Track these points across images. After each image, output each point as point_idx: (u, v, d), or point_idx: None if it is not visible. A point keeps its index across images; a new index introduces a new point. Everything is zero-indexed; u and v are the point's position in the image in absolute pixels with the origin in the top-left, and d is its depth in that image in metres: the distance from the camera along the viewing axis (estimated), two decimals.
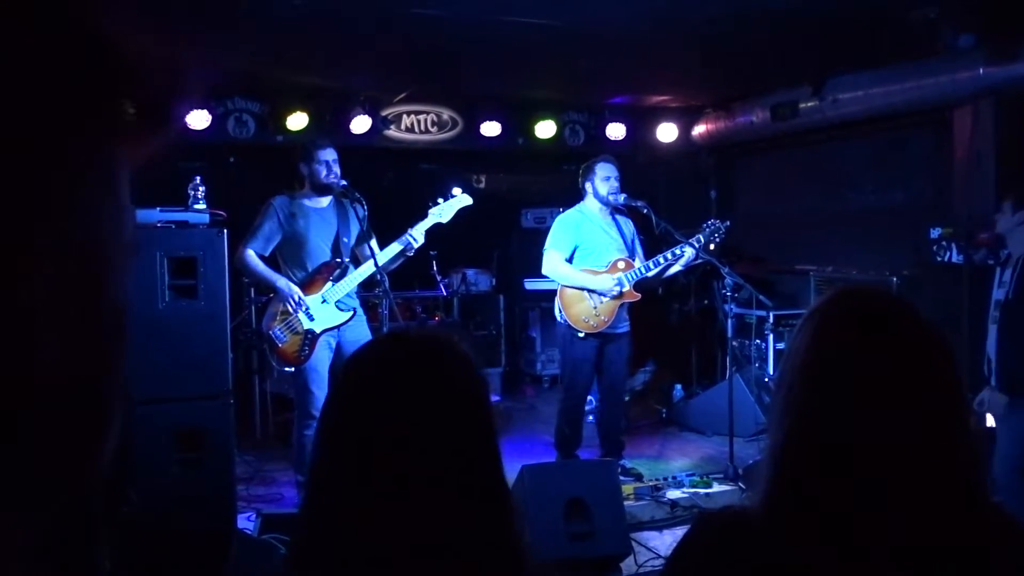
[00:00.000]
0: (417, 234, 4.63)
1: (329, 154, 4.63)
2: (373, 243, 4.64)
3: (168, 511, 3.82)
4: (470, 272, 7.54)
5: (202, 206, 4.14)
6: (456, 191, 4.81)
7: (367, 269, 4.59)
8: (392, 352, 1.17)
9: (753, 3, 4.59)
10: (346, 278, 4.61)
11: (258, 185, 7.68)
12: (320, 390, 4.50)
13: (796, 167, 7.59)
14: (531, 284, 7.14)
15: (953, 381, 1.10)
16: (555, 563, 3.81)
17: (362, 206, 4.65)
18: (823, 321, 1.14)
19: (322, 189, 4.65)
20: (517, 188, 8.64)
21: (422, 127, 7.22)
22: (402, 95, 6.96)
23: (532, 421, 6.94)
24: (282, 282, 4.52)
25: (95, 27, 0.53)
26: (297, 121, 6.66)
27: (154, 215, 3.90)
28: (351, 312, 4.62)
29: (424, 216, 4.69)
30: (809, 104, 6.51)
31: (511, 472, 5.20)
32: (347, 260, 4.65)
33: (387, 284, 4.57)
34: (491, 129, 7.30)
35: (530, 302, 7.84)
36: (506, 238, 8.18)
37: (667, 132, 7.79)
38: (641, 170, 8.38)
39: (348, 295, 4.63)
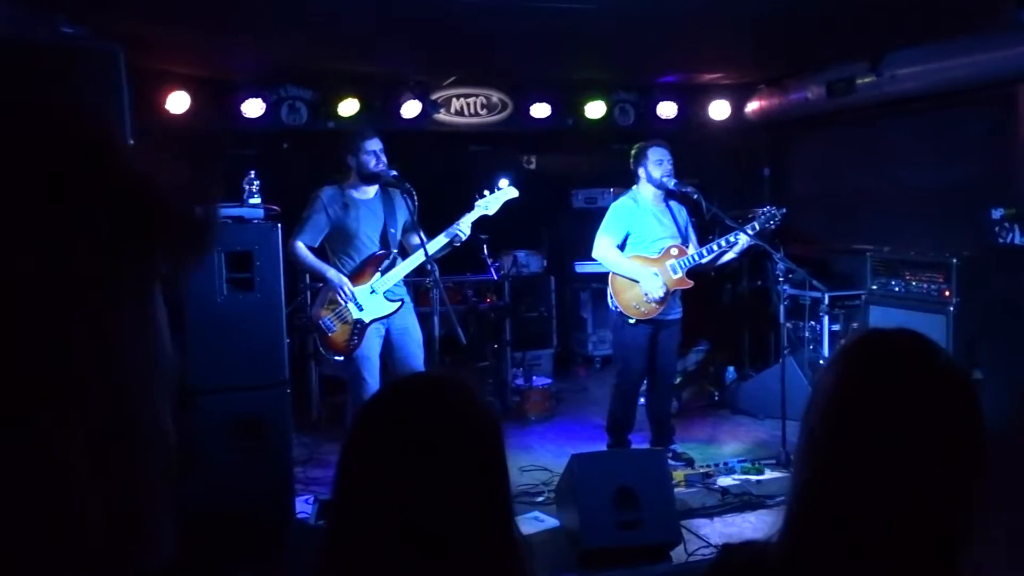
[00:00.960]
0: (464, 226, 4.71)
1: (375, 144, 4.72)
2: (421, 233, 4.72)
3: (228, 498, 3.96)
4: (521, 254, 7.56)
5: (257, 200, 4.23)
6: (503, 183, 4.86)
7: (415, 260, 4.69)
8: (403, 411, 1.18)
9: None
10: (394, 269, 4.72)
11: (311, 170, 7.81)
12: (372, 378, 4.66)
13: (852, 144, 7.41)
14: (581, 267, 7.15)
15: (969, 431, 1.09)
16: (605, 551, 3.86)
17: (411, 197, 4.73)
18: (846, 365, 1.14)
19: (370, 178, 4.75)
20: (567, 168, 8.61)
21: (472, 110, 7.23)
22: (451, 79, 6.97)
23: (583, 403, 6.98)
24: (332, 273, 4.64)
25: (131, 170, 0.57)
26: (348, 107, 6.73)
27: None
28: (399, 302, 4.74)
29: (471, 208, 4.77)
30: (866, 80, 6.33)
31: (561, 457, 5.28)
32: (395, 251, 4.76)
33: (437, 273, 4.64)
34: (540, 111, 7.28)
35: (581, 283, 7.84)
36: (557, 219, 8.18)
37: (719, 110, 7.67)
38: (693, 149, 8.27)
39: (396, 285, 4.74)
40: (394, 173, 4.74)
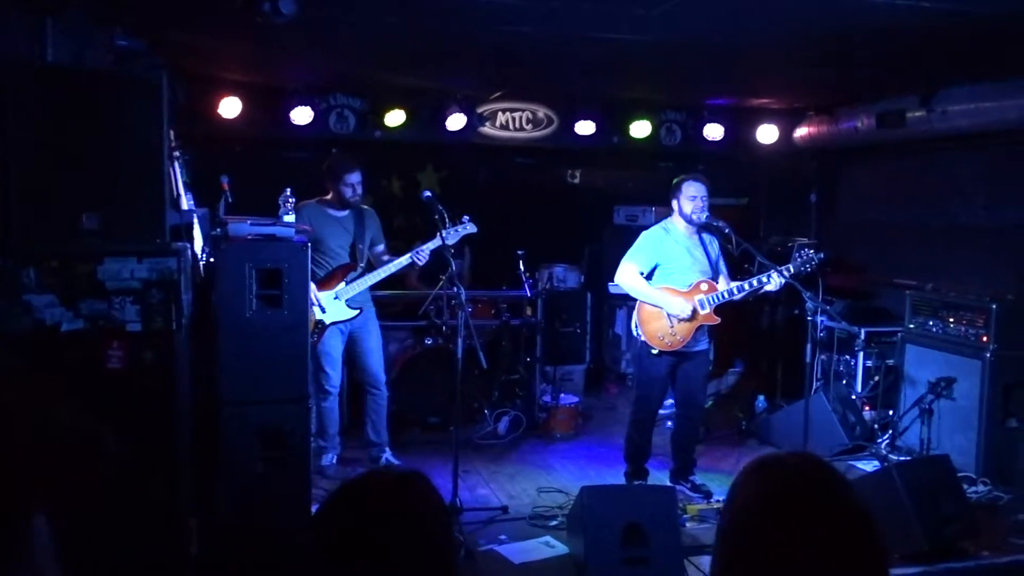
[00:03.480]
0: (424, 252, 5.28)
1: (355, 177, 5.38)
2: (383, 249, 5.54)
3: (253, 505, 4.11)
4: (558, 269, 7.59)
5: (291, 218, 4.35)
6: (465, 220, 5.31)
7: (377, 275, 5.37)
8: (357, 517, 1.24)
9: (859, 17, 4.40)
10: (358, 280, 5.36)
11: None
12: (333, 370, 5.44)
13: (902, 176, 7.27)
14: (615, 288, 7.15)
15: (866, 562, 1.11)
16: None
17: (443, 218, 5.03)
18: (740, 490, 1.18)
19: (345, 205, 5.43)
20: (611, 184, 8.61)
21: (517, 125, 7.29)
22: (497, 93, 7.04)
23: (610, 422, 7.00)
24: None
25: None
26: (395, 118, 6.84)
27: (245, 228, 4.13)
28: (358, 310, 5.39)
29: (433, 237, 5.18)
30: (917, 114, 6.23)
31: (581, 479, 5.32)
32: (362, 265, 5.41)
33: (463, 296, 4.73)
34: (586, 128, 7.30)
35: (618, 300, 7.83)
36: (598, 235, 8.19)
37: (767, 134, 7.60)
38: (741, 170, 8.23)
39: (359, 294, 5.36)
40: (428, 194, 5.08)
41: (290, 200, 4.40)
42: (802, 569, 1.09)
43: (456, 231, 5.24)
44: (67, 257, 3.47)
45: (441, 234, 4.95)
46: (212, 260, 4.19)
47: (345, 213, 5.44)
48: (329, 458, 5.59)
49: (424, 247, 5.27)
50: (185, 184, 4.83)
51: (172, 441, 3.66)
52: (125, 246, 3.55)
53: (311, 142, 7.14)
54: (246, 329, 4.10)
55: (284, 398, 4.20)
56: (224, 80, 6.41)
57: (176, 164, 4.61)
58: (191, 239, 4.38)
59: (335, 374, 5.45)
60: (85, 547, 1.53)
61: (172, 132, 4.50)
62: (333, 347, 5.39)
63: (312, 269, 5.07)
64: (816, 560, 1.09)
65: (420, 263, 5.31)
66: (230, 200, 5.01)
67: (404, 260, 5.29)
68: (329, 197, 5.44)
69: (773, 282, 4.90)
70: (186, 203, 4.71)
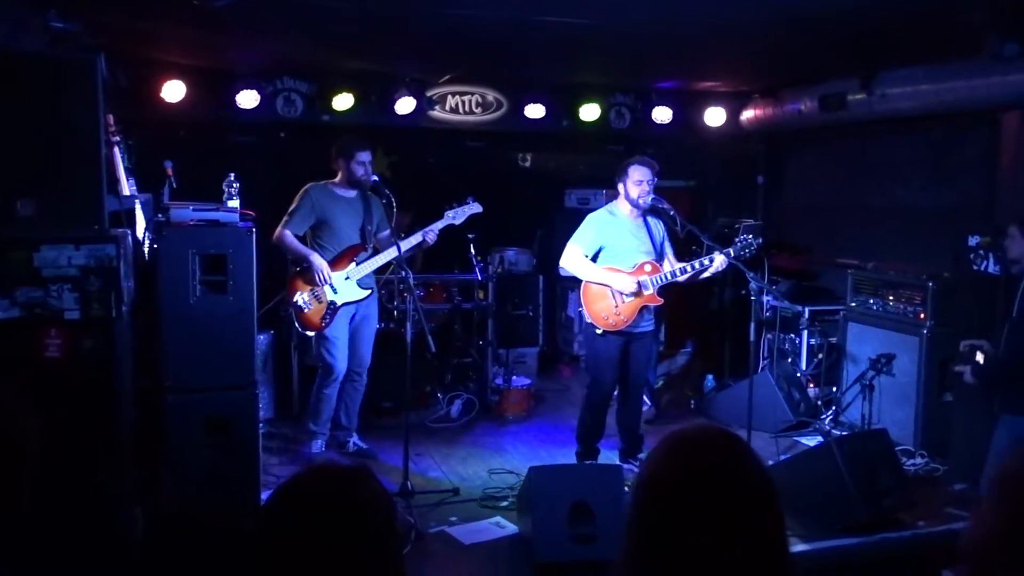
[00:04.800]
0: (434, 232, 5.27)
1: (366, 156, 5.29)
2: (392, 233, 5.35)
3: (199, 493, 4.08)
4: (510, 253, 7.62)
5: (235, 203, 4.31)
6: (469, 200, 5.41)
7: (387, 255, 5.26)
8: (304, 511, 1.27)
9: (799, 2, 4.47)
10: (368, 261, 5.30)
11: (307, 159, 7.88)
12: (340, 353, 5.33)
13: (844, 158, 7.43)
14: (564, 271, 7.20)
15: (761, 535, 1.17)
16: (557, 565, 3.96)
17: (391, 203, 5.07)
18: (650, 464, 1.24)
19: (355, 184, 5.27)
20: (562, 167, 8.64)
21: (467, 108, 7.28)
22: (447, 77, 7.02)
23: (563, 404, 7.06)
24: (315, 257, 5.18)
25: None
26: (343, 101, 6.78)
27: (187, 213, 4.09)
28: (369, 290, 5.36)
29: (440, 217, 5.35)
30: (857, 97, 6.35)
31: (532, 460, 5.38)
32: (371, 245, 5.35)
33: (411, 279, 4.74)
34: (535, 111, 7.31)
35: (570, 282, 7.88)
36: (550, 218, 8.22)
37: (715, 116, 7.68)
38: (690, 153, 8.31)
39: (367, 276, 5.32)
40: (375, 179, 5.19)
41: (234, 185, 4.35)
42: (707, 536, 1.14)
43: (463, 211, 5.31)
44: (2, 244, 3.41)
45: (447, 214, 5.06)
46: (155, 246, 4.14)
47: (353, 194, 5.33)
48: (319, 444, 5.51)
49: (432, 227, 5.25)
50: (127, 169, 4.75)
51: (114, 430, 3.62)
52: (62, 232, 3.50)
53: (258, 126, 7.05)
54: (190, 315, 4.07)
55: (231, 384, 4.19)
56: (167, 63, 6.29)
57: (117, 149, 4.53)
58: (133, 225, 4.32)
59: (342, 359, 5.35)
60: (27, 538, 1.53)
61: (112, 116, 4.42)
62: (341, 331, 5.32)
63: (320, 249, 5.24)
64: (722, 525, 1.14)
65: (430, 243, 5.28)
66: (174, 185, 4.95)
67: (415, 239, 5.22)
68: (337, 179, 5.34)
69: (717, 261, 4.98)
70: (127, 188, 4.64)
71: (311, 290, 5.19)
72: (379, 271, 5.48)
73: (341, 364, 5.35)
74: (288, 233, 5.20)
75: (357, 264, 5.28)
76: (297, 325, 5.32)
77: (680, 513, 1.16)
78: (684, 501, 1.17)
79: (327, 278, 5.15)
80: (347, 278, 5.25)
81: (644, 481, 1.24)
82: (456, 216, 5.33)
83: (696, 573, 1.13)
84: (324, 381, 5.37)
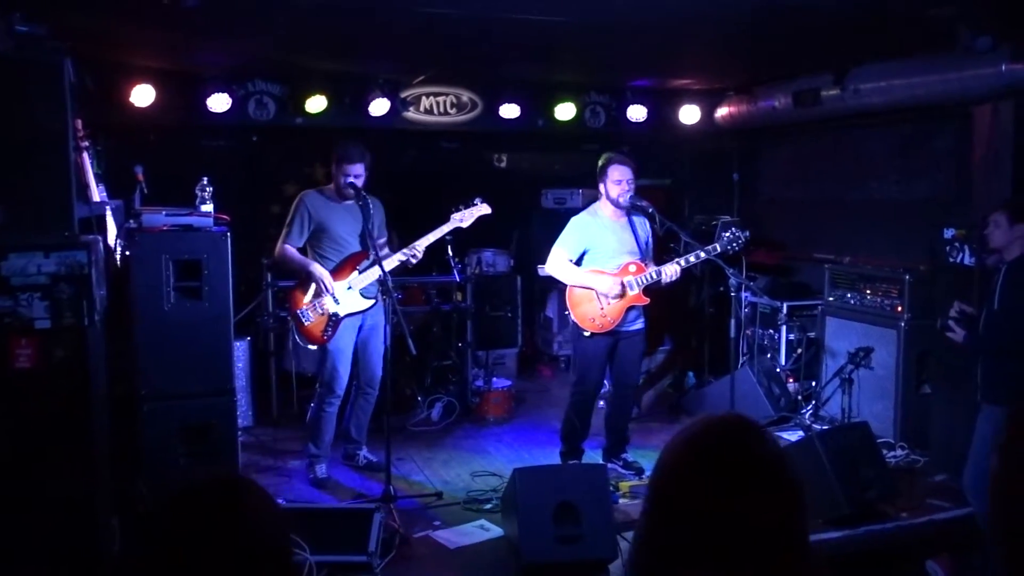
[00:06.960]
0: (444, 232, 5.13)
1: (358, 169, 5.01)
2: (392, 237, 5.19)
3: None
4: (487, 254, 7.59)
5: (209, 207, 4.24)
6: (477, 200, 5.17)
7: (393, 260, 5.00)
8: (195, 525, 1.26)
9: None
10: (371, 269, 4.99)
11: (281, 162, 7.81)
12: (345, 369, 5.07)
13: (820, 154, 7.47)
14: (544, 272, 7.18)
15: (787, 516, 1.14)
16: (544, 566, 3.93)
17: (376, 207, 5.03)
18: (673, 446, 1.21)
19: (343, 197, 5.09)
20: (538, 167, 8.62)
21: (441, 109, 7.23)
22: (420, 77, 6.96)
23: (544, 404, 7.04)
24: (315, 267, 4.97)
25: None
26: (316, 104, 6.70)
27: (160, 219, 4.02)
28: (373, 300, 5.08)
29: (447, 220, 5.13)
30: (831, 92, 6.37)
31: (515, 462, 5.34)
32: (373, 252, 4.97)
33: (390, 283, 4.67)
34: (510, 111, 7.28)
35: (548, 282, 7.87)
36: (526, 218, 8.19)
37: (690, 114, 7.69)
38: (665, 151, 8.32)
39: (371, 284, 5.03)
40: (355, 190, 4.99)
41: (207, 189, 4.28)
42: (728, 516, 1.12)
43: (470, 213, 5.11)
44: None
45: (454, 216, 4.93)
46: (128, 252, 4.06)
47: (350, 200, 5.07)
48: (322, 469, 5.20)
49: (439, 230, 5.09)
50: (97, 175, 4.66)
51: (88, 439, 3.54)
52: (31, 240, 3.41)
53: (229, 129, 6.97)
54: (165, 322, 4.01)
55: (208, 391, 4.13)
56: (136, 67, 6.18)
57: (86, 154, 4.44)
58: (103, 231, 4.24)
59: (346, 374, 5.08)
60: (2, 548, 1.48)
61: (80, 121, 4.33)
62: (347, 344, 5.05)
63: (321, 259, 5.00)
64: (742, 506, 1.12)
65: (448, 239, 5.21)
66: (145, 191, 4.87)
67: (431, 237, 5.08)
68: (332, 185, 5.13)
69: (692, 259, 4.99)
70: (98, 195, 4.54)
71: (312, 301, 4.96)
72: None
73: (344, 380, 5.09)
74: (288, 247, 4.99)
75: (360, 272, 5.03)
76: (298, 338, 5.09)
77: (696, 499, 1.14)
78: (700, 486, 1.15)
79: (328, 287, 4.93)
80: (349, 288, 5.00)
81: (662, 467, 1.22)
82: (464, 219, 5.08)
83: (715, 561, 1.11)
84: (325, 399, 5.09)
